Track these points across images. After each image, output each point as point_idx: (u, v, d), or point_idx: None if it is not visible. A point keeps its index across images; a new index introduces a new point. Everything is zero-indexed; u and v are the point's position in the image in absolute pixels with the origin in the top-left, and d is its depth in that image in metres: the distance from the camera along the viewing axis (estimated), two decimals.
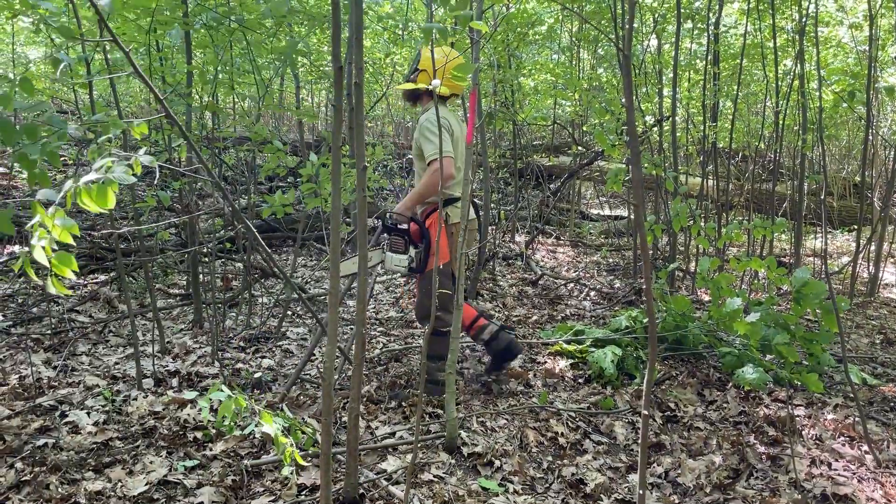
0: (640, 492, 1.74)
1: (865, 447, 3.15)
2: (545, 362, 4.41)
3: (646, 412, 1.67)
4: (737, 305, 4.05)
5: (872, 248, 7.37)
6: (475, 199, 3.82)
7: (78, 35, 3.84)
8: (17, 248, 6.32)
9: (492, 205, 8.18)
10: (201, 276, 5.04)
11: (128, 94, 11.27)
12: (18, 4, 3.68)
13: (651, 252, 6.18)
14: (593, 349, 4.38)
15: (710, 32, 7.33)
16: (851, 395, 3.77)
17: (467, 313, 3.83)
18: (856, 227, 7.55)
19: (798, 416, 3.55)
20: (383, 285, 6.61)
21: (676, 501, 2.78)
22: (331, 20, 2.13)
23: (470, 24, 2.22)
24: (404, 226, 3.58)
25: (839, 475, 2.92)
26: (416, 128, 3.63)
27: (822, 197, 5.68)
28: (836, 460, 3.07)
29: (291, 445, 2.22)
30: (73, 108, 10.09)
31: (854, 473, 2.95)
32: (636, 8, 7.50)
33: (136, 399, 3.46)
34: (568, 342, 4.71)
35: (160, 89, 4.37)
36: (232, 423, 2.44)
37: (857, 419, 3.40)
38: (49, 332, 4.44)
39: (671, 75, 7.25)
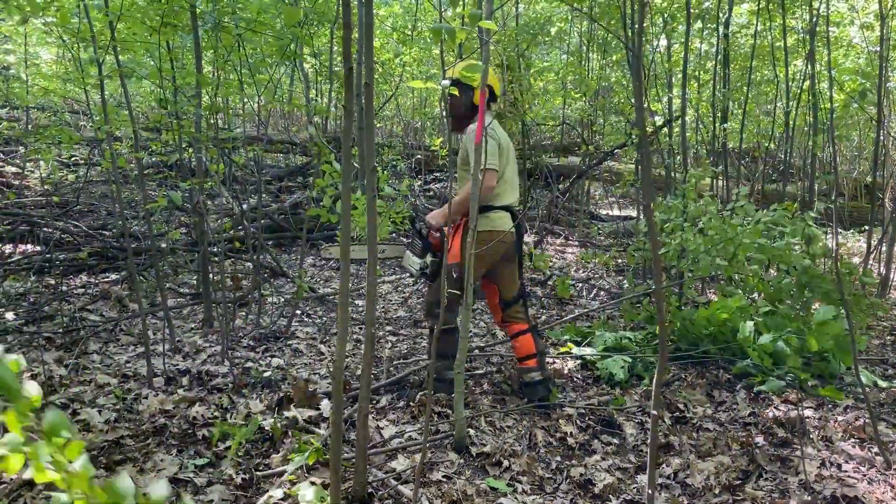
0: (649, 492, 1.74)
1: (875, 449, 3.13)
2: (554, 363, 4.41)
3: (654, 412, 1.67)
4: (749, 330, 4.08)
5: (884, 249, 7.33)
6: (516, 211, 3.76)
7: (89, 36, 3.88)
8: (29, 248, 6.37)
9: None
10: (211, 275, 5.06)
11: (138, 94, 11.34)
12: (29, 8, 3.71)
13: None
14: (601, 353, 4.39)
15: (720, 33, 7.31)
16: (862, 397, 3.75)
17: (527, 346, 3.70)
18: (867, 227, 7.51)
19: (808, 417, 3.54)
20: (392, 285, 6.62)
21: (685, 502, 2.78)
22: (340, 20, 2.14)
23: (479, 23, 2.23)
24: (431, 234, 3.67)
25: (849, 477, 2.91)
26: (466, 136, 3.62)
27: (833, 197, 5.65)
28: (846, 462, 3.06)
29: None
30: (85, 108, 10.15)
31: (864, 475, 2.94)
32: (646, 8, 7.49)
33: (146, 397, 3.48)
34: (577, 343, 4.72)
35: (169, 90, 4.41)
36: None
37: (867, 421, 3.39)
38: (61, 330, 4.47)
39: (681, 76, 7.23)
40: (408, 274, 4.39)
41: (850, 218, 10.76)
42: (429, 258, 3.66)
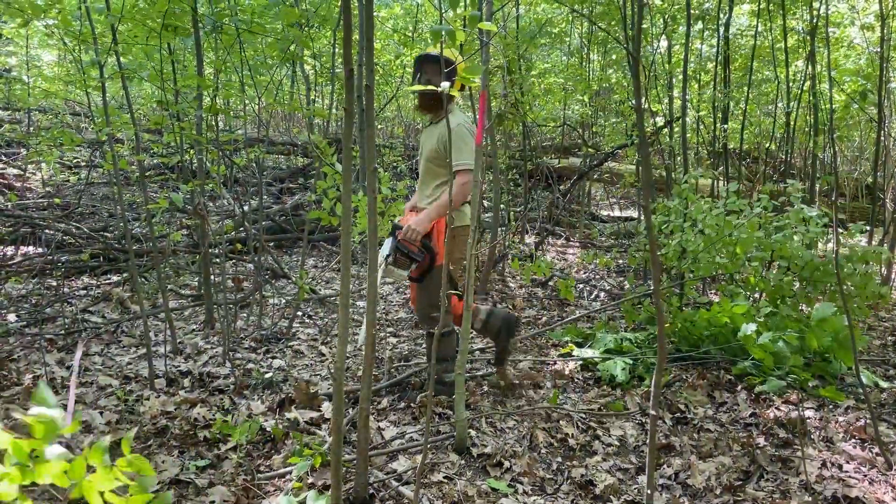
0: (648, 492, 1.75)
1: (876, 449, 3.14)
2: (555, 363, 4.41)
3: (653, 412, 1.68)
4: (751, 331, 4.08)
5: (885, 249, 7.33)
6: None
7: (90, 39, 3.89)
8: (31, 249, 6.38)
9: (502, 206, 8.18)
10: (213, 276, 5.07)
11: (140, 96, 11.36)
12: (30, 10, 3.72)
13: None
14: (602, 356, 4.39)
15: (721, 34, 7.31)
16: (863, 398, 3.75)
17: (458, 305, 3.66)
18: (868, 228, 7.52)
19: (809, 418, 3.54)
20: (393, 286, 6.62)
21: (686, 503, 2.78)
22: (341, 22, 2.14)
23: (479, 25, 2.23)
24: (415, 254, 3.52)
25: (850, 477, 2.91)
26: (448, 131, 3.52)
27: (834, 198, 5.66)
28: (847, 462, 3.06)
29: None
30: (87, 110, 10.17)
31: (865, 475, 2.94)
32: (646, 9, 7.50)
33: (148, 399, 3.49)
34: (579, 345, 4.73)
35: (170, 92, 4.41)
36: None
37: (868, 421, 3.39)
38: (62, 332, 4.48)
39: (681, 77, 7.23)
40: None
41: (851, 218, 10.75)
42: (413, 266, 3.54)
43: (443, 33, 2.06)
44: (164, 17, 3.86)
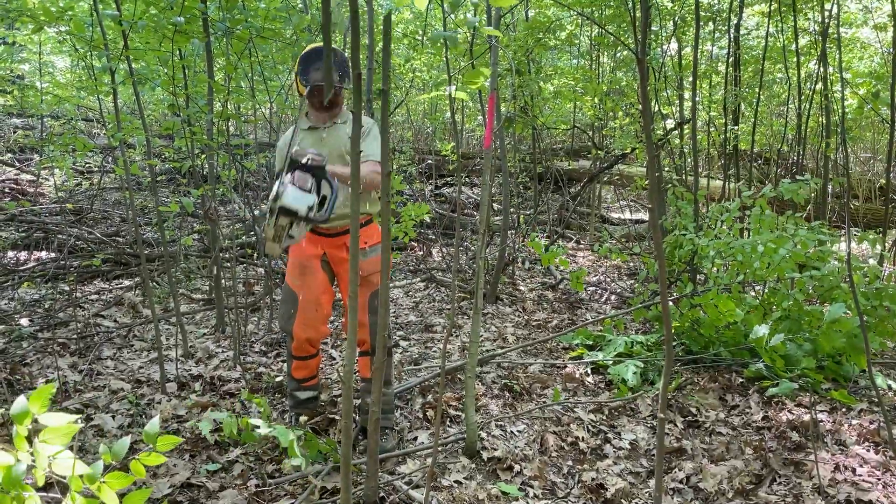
0: (656, 494, 1.74)
1: (890, 453, 3.11)
2: (565, 367, 4.40)
3: (661, 415, 1.67)
4: (762, 333, 4.04)
5: None
6: None
7: (102, 45, 3.91)
8: (44, 254, 6.43)
9: (511, 209, 8.17)
10: (223, 280, 5.09)
11: (151, 101, 11.42)
12: (43, 16, 3.75)
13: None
14: (613, 360, 4.38)
15: (731, 35, 7.28)
16: (876, 400, 3.72)
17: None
18: (881, 229, 7.45)
19: (822, 421, 3.51)
20: (402, 290, 6.63)
21: None
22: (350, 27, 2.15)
23: (484, 30, 2.24)
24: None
25: (863, 481, 2.88)
26: (359, 130, 3.14)
27: (846, 199, 5.61)
28: (861, 466, 3.03)
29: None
30: (99, 115, 10.25)
31: (879, 479, 2.91)
32: (655, 11, 7.48)
33: (159, 403, 3.50)
34: (589, 347, 4.72)
35: (181, 97, 4.43)
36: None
37: (881, 424, 3.36)
38: (75, 336, 4.51)
39: (691, 78, 7.21)
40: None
41: (864, 220, 10.67)
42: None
43: (443, 39, 2.07)
44: (176, 25, 3.87)
